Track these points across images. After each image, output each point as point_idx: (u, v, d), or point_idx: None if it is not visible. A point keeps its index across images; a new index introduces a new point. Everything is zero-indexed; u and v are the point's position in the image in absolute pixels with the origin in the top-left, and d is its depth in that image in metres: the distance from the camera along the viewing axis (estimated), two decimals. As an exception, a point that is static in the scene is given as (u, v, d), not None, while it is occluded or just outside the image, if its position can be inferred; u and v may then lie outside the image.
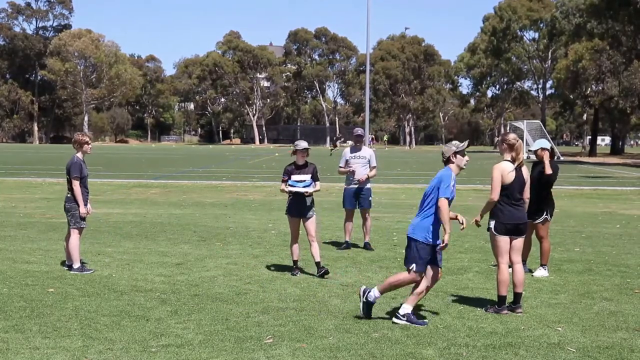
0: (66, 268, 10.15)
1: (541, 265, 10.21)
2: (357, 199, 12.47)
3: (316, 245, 10.02)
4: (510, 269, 8.10)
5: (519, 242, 8.16)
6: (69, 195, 10.10)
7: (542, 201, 10.04)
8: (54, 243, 12.38)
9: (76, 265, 10.02)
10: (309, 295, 8.67)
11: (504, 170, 8.01)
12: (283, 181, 10.09)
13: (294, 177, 9.97)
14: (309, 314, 7.76)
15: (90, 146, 10.31)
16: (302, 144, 10.06)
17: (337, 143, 67.94)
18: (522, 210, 8.13)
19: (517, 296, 7.98)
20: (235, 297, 8.48)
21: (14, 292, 8.60)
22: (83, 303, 8.09)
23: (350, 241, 12.45)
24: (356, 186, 12.42)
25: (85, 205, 10.06)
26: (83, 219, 10.08)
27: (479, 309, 8.01)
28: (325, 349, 6.50)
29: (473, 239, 13.57)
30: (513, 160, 8.07)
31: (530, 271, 10.24)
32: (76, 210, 10.01)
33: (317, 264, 9.91)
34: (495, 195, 8.01)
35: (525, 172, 8.21)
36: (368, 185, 12.56)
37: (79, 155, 10.16)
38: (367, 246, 12.34)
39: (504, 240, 7.99)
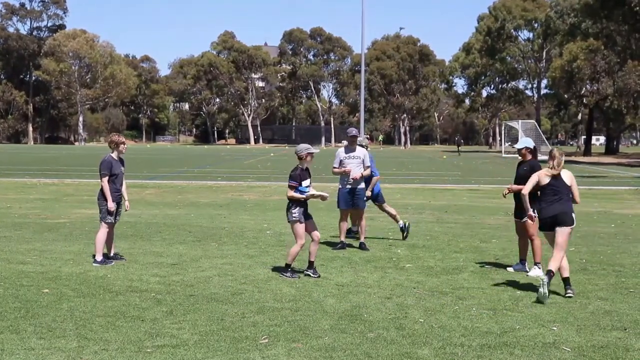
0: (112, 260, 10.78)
1: (535, 264, 10.22)
2: (352, 199, 12.46)
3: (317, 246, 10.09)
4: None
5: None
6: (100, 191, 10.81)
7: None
8: (49, 244, 12.36)
9: (98, 257, 10.54)
10: (305, 295, 8.66)
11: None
12: (293, 187, 9.83)
13: (304, 183, 9.88)
14: (305, 314, 7.76)
15: (125, 146, 11.04)
16: (314, 148, 10.10)
17: (460, 142, 67.99)
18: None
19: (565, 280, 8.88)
20: (230, 298, 8.48)
21: (9, 292, 8.58)
22: (78, 304, 8.08)
23: (345, 241, 12.45)
24: (350, 186, 12.41)
25: (115, 201, 10.67)
26: (110, 213, 10.64)
27: (474, 309, 8.01)
28: (321, 349, 6.50)
29: (468, 238, 13.59)
30: None
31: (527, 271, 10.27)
32: (104, 205, 10.65)
33: (312, 263, 9.95)
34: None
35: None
36: (362, 186, 12.54)
37: (113, 154, 10.85)
38: (362, 246, 12.33)
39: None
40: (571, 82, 72.99)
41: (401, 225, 13.45)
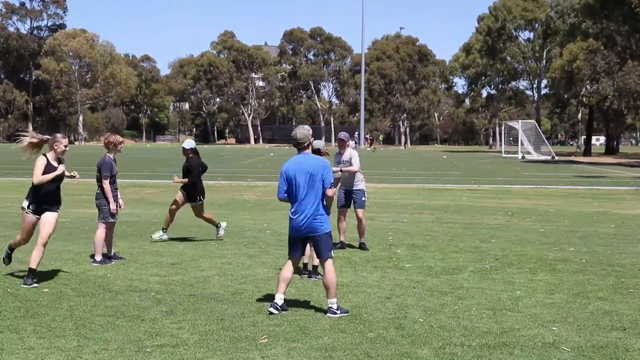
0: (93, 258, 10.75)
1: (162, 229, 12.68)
2: (350, 199, 12.42)
3: None
4: None
5: None
6: (98, 191, 10.80)
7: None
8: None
9: (98, 257, 10.59)
10: (304, 295, 8.66)
11: None
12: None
13: None
14: (304, 313, 7.76)
15: (122, 145, 11.13)
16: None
17: (374, 141, 68.41)
18: None
19: None
20: (230, 297, 8.48)
21: (9, 292, 8.59)
22: (78, 303, 8.08)
23: (344, 241, 12.44)
24: (345, 188, 12.27)
25: (115, 201, 10.75)
26: (112, 214, 10.72)
27: (474, 309, 8.01)
28: (320, 348, 6.50)
29: (468, 238, 13.58)
30: None
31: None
32: (105, 206, 10.71)
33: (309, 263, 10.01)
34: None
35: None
36: (361, 186, 12.47)
37: (111, 155, 10.89)
38: (362, 246, 12.33)
39: None
40: (571, 82, 72.94)
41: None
